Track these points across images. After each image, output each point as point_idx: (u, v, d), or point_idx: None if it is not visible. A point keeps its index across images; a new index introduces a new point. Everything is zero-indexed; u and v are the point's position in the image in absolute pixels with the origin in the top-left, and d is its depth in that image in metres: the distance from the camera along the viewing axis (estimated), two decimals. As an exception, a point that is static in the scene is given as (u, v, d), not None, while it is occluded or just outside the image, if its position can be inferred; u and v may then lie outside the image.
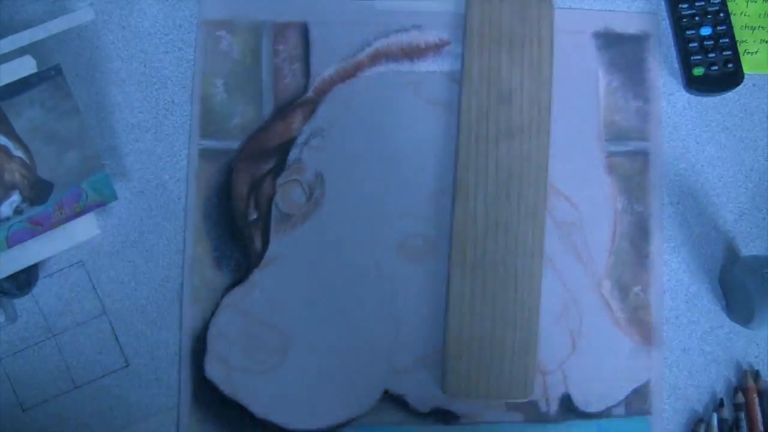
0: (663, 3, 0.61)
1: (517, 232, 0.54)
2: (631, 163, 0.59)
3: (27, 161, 0.51)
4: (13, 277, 0.51)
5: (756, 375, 0.57)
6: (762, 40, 0.61)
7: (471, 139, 0.55)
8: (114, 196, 0.52)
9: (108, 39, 0.56)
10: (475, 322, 0.53)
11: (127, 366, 0.54)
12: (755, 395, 0.57)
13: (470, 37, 0.56)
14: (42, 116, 0.51)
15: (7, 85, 0.50)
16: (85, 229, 0.52)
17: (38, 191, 0.51)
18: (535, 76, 0.56)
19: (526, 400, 0.54)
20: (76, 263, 0.54)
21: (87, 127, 0.52)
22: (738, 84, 0.59)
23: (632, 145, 0.59)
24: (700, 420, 0.57)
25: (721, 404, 0.57)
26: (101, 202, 0.52)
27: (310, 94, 0.57)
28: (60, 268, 0.54)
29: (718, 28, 0.59)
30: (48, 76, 0.51)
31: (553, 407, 0.56)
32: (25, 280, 0.52)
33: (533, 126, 0.55)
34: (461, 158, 0.55)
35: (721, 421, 0.56)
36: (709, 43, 0.59)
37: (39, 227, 0.51)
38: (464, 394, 0.53)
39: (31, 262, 0.51)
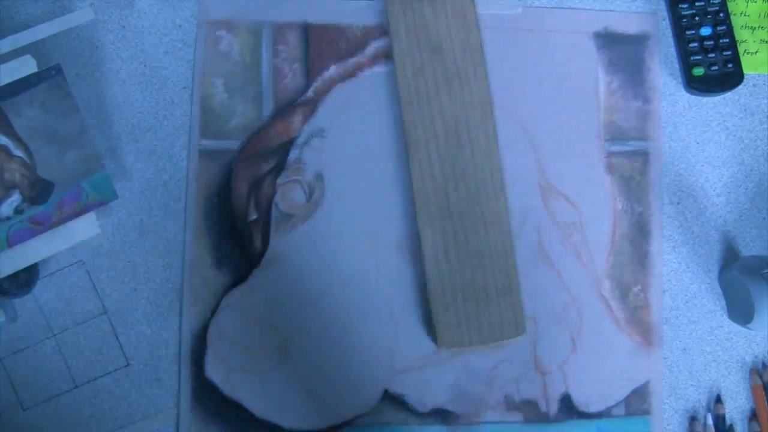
0: (663, 3, 0.61)
1: (475, 176, 0.54)
2: (631, 163, 0.59)
3: (27, 161, 0.51)
4: (13, 277, 0.51)
5: (763, 370, 0.58)
6: (762, 40, 0.61)
7: (412, 95, 0.55)
8: (114, 196, 0.52)
9: (108, 39, 0.56)
10: (453, 273, 0.53)
11: (127, 366, 0.54)
12: (763, 393, 0.57)
13: None
14: (42, 116, 0.51)
15: (7, 85, 0.50)
16: (85, 228, 0.52)
17: (38, 191, 0.51)
18: (461, 22, 0.56)
19: (519, 337, 0.53)
20: (76, 263, 0.54)
21: (87, 127, 0.52)
22: (738, 84, 0.59)
23: (632, 145, 0.59)
24: (699, 420, 0.57)
25: (718, 400, 0.57)
26: (101, 201, 0.52)
27: (310, 94, 0.57)
28: (60, 267, 0.54)
29: (718, 28, 0.59)
30: (48, 76, 0.51)
31: (553, 407, 0.56)
32: (25, 279, 0.52)
33: (469, 70, 0.56)
34: (407, 116, 0.55)
35: (717, 418, 0.56)
36: (709, 43, 0.59)
37: (39, 227, 0.51)
38: (458, 344, 0.53)
39: (32, 262, 0.51)
